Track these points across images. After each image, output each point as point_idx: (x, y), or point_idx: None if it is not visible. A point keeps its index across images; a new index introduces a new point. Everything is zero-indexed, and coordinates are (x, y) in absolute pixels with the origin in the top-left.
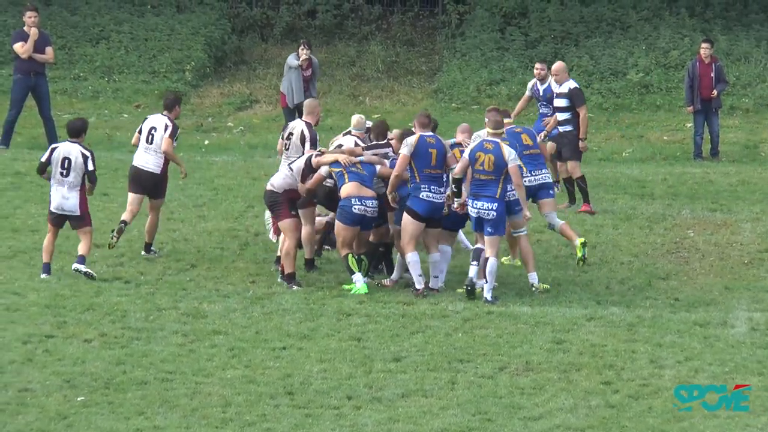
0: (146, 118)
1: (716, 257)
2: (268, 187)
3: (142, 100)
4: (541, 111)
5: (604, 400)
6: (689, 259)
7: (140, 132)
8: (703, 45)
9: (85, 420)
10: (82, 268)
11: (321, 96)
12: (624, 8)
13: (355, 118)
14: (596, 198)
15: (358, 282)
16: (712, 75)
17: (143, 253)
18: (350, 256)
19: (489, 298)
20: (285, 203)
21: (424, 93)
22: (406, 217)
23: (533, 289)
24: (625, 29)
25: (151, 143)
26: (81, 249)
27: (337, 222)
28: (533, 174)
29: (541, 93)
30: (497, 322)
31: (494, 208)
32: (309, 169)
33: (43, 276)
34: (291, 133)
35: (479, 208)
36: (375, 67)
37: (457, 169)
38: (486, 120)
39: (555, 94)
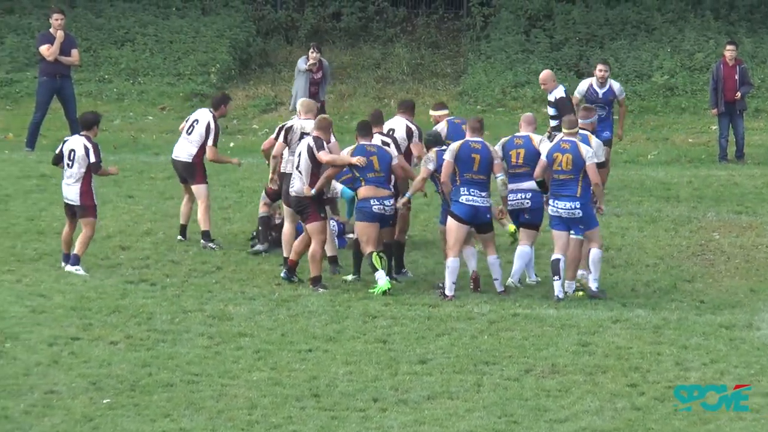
0: (195, 111)
1: (741, 259)
2: (292, 194)
3: (167, 102)
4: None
5: (629, 402)
6: (714, 261)
7: (187, 121)
8: (728, 47)
9: (110, 422)
10: (72, 269)
11: (346, 98)
12: (649, 10)
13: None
14: (621, 200)
15: (381, 279)
16: (737, 77)
17: (202, 242)
18: (375, 254)
19: (594, 289)
20: (313, 205)
21: (449, 95)
22: (450, 222)
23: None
24: (650, 32)
25: (190, 134)
26: (77, 243)
27: (357, 222)
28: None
29: (600, 95)
30: (523, 325)
31: (578, 206)
32: (315, 164)
33: (63, 266)
34: (303, 134)
35: (561, 209)
36: (400, 69)
37: (536, 171)
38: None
39: (548, 102)
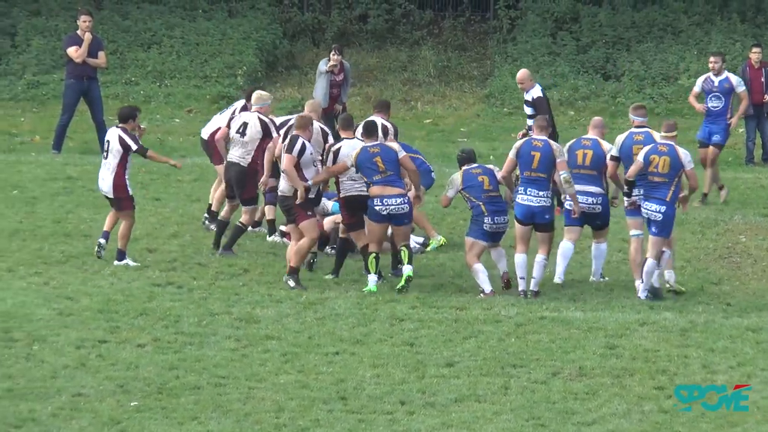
0: (236, 115)
1: None
2: (279, 192)
3: (194, 105)
4: (710, 105)
5: (657, 405)
6: (741, 264)
7: (229, 126)
8: (754, 50)
9: (138, 425)
10: (121, 263)
11: (372, 101)
12: (675, 13)
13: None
14: None
15: (371, 282)
16: (762, 80)
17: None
18: (372, 256)
19: (642, 297)
20: (297, 205)
21: (476, 98)
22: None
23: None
24: (676, 34)
25: (243, 136)
26: (119, 238)
27: (366, 219)
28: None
29: (716, 84)
30: (550, 327)
31: (662, 210)
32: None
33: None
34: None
35: (648, 209)
36: (426, 71)
37: (630, 171)
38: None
39: (525, 102)
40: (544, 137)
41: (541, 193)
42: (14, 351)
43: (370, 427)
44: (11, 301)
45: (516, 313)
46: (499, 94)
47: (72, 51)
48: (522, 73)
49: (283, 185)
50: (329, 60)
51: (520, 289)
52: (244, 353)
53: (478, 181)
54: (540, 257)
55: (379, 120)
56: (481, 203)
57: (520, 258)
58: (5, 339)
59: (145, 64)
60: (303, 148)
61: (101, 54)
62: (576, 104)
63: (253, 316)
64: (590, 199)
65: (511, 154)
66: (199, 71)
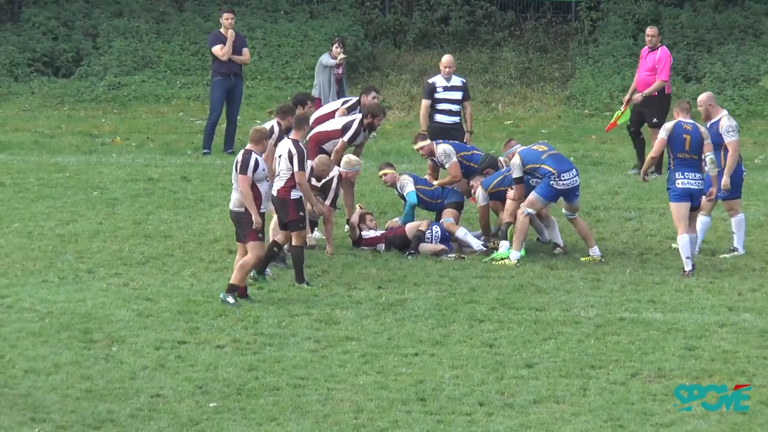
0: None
1: None
2: (231, 207)
3: (275, 106)
4: None
5: None
6: None
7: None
8: None
9: (217, 426)
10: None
11: None
12: (757, 15)
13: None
14: None
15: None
16: None
17: None
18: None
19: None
20: (248, 224)
21: (557, 99)
22: (671, 203)
23: (594, 260)
24: (757, 36)
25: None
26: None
27: None
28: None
29: None
30: (629, 329)
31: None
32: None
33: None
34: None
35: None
36: (508, 73)
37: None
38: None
39: (444, 88)
40: (692, 120)
41: (697, 175)
42: (93, 352)
43: (448, 428)
44: (91, 302)
45: (595, 314)
46: (580, 95)
47: (217, 49)
48: (447, 58)
49: (234, 200)
50: (332, 54)
51: (687, 269)
52: (324, 354)
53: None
54: (692, 235)
55: (272, 124)
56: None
57: (685, 239)
58: (85, 340)
59: None
60: (256, 165)
61: (245, 51)
62: None
63: (332, 317)
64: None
65: (662, 134)
66: (280, 72)
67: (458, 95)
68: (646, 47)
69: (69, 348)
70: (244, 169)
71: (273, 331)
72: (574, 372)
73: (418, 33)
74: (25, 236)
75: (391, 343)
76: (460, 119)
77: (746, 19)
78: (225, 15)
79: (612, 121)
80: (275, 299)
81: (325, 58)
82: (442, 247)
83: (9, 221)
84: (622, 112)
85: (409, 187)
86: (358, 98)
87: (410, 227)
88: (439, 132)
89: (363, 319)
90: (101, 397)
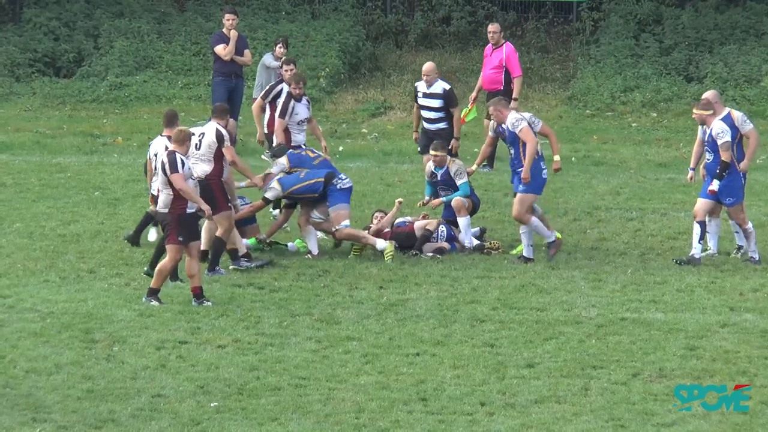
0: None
1: None
2: (158, 209)
3: None
4: None
5: None
6: None
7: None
8: None
9: (218, 426)
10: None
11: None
12: (758, 15)
13: None
14: None
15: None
16: None
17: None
18: None
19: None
20: (173, 226)
21: (558, 99)
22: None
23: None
24: (759, 36)
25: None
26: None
27: None
28: None
29: None
30: (630, 329)
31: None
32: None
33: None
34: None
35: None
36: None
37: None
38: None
39: (424, 94)
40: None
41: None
42: (95, 352)
43: (450, 428)
44: (92, 302)
45: (596, 314)
46: (581, 96)
47: (220, 49)
48: (428, 65)
49: (162, 202)
50: (275, 55)
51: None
52: (325, 354)
53: None
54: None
55: (213, 126)
56: None
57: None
58: (86, 340)
59: None
60: (183, 163)
61: (247, 52)
62: (658, 106)
63: (333, 317)
64: None
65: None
66: None
67: (437, 103)
68: (490, 45)
69: (70, 348)
70: (174, 168)
71: (274, 331)
72: (575, 372)
73: (419, 33)
74: (26, 236)
75: (392, 343)
76: (447, 125)
77: (748, 19)
78: (227, 15)
79: (461, 116)
80: (276, 299)
81: (268, 59)
82: (443, 244)
83: (10, 221)
84: (469, 110)
85: (464, 177)
86: (278, 80)
87: (419, 225)
88: (427, 137)
89: (364, 319)
90: (102, 397)
